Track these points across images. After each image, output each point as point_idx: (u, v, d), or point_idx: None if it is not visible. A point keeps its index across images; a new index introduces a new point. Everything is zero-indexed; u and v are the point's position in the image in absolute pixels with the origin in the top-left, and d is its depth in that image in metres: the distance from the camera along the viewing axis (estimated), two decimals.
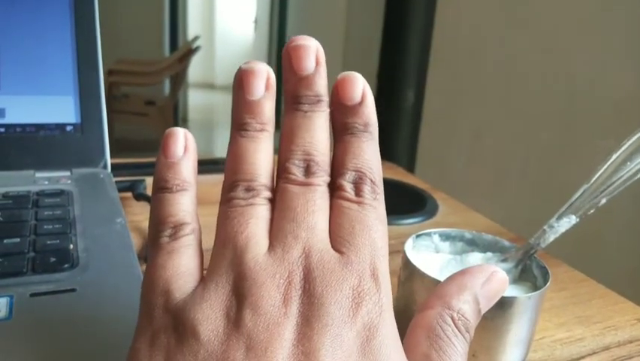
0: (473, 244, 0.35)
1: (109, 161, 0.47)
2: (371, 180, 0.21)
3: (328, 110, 0.22)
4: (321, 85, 0.22)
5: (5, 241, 0.31)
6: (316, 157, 0.21)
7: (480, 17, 1.34)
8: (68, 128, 0.46)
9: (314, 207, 0.20)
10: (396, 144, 1.99)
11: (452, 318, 0.20)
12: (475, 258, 0.32)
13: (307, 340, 0.17)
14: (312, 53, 0.21)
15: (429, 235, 0.35)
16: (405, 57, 1.88)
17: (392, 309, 0.19)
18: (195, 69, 5.25)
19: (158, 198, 0.21)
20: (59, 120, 0.46)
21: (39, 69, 0.46)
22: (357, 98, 0.21)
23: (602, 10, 0.97)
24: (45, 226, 0.33)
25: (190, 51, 3.38)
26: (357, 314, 0.18)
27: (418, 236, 0.34)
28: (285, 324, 0.17)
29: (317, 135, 0.21)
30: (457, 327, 0.20)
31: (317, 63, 0.22)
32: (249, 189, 0.20)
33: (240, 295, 0.18)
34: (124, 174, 0.52)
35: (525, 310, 0.28)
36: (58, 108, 0.46)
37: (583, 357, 0.34)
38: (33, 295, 0.26)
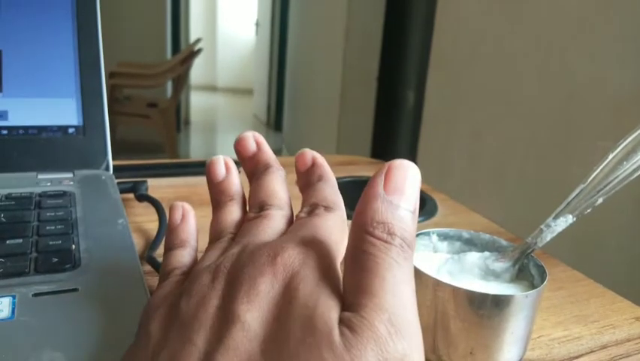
0: (471, 244, 0.35)
1: (111, 162, 0.47)
2: (324, 206, 0.25)
3: (278, 171, 0.27)
4: (265, 156, 0.28)
5: (8, 241, 0.31)
6: (267, 200, 0.26)
7: (479, 18, 1.34)
8: (70, 130, 0.47)
9: (262, 225, 0.24)
10: (397, 144, 1.99)
11: (368, 232, 0.19)
12: (473, 257, 0.33)
13: (227, 299, 0.19)
14: (250, 141, 0.28)
15: (427, 234, 0.35)
16: (405, 59, 1.88)
17: (320, 262, 0.20)
18: (197, 71, 5.27)
19: (166, 255, 0.27)
20: (62, 122, 0.46)
21: (41, 72, 0.46)
22: (308, 162, 0.27)
23: (600, 11, 0.97)
24: (47, 227, 0.34)
25: (192, 53, 3.39)
26: (273, 264, 0.20)
27: (416, 236, 0.34)
28: (210, 295, 0.20)
29: (268, 187, 0.26)
30: (378, 238, 0.19)
31: (257, 145, 0.28)
32: (218, 238, 0.26)
33: (183, 290, 0.21)
34: (126, 176, 0.53)
35: (522, 309, 0.29)
36: (61, 111, 0.47)
37: (581, 355, 0.34)
38: (35, 295, 0.26)
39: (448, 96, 1.49)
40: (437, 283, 0.29)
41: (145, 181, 0.51)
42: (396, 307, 0.17)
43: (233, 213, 0.27)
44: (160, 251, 0.42)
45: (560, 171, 1.04)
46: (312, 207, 0.25)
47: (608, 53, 0.95)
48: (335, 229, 0.23)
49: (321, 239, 0.22)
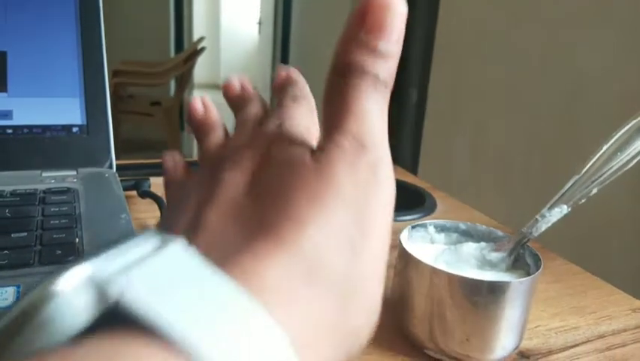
0: (468, 235, 0.36)
1: (114, 161, 0.48)
2: (291, 97, 0.25)
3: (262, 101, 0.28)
4: (249, 94, 0.29)
5: (13, 235, 0.32)
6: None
7: (482, 14, 1.34)
8: (74, 129, 0.47)
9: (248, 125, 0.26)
10: (400, 141, 1.99)
11: (341, 72, 0.19)
12: (470, 247, 0.33)
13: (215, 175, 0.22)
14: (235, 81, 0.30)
15: (424, 226, 0.35)
16: (408, 55, 1.88)
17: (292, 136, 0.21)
18: (200, 70, 5.27)
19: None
20: (65, 122, 0.47)
21: (45, 72, 0.47)
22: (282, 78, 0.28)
23: (604, 6, 0.97)
24: (51, 221, 0.34)
25: (195, 52, 3.40)
26: (253, 138, 0.22)
27: (413, 227, 0.35)
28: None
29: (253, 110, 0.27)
30: (352, 75, 0.19)
31: (241, 86, 0.29)
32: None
33: None
34: (129, 174, 0.54)
35: (517, 296, 0.29)
36: (65, 110, 0.47)
37: (577, 345, 0.35)
38: None
39: (452, 93, 1.49)
40: (433, 271, 0.29)
41: (147, 179, 0.52)
42: (361, 127, 0.18)
43: (218, 137, 0.27)
44: None
45: (563, 167, 1.04)
46: (279, 100, 0.26)
47: (613, 47, 0.95)
48: (301, 111, 0.24)
49: (290, 116, 0.23)
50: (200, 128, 0.27)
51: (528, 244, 0.33)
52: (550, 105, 1.10)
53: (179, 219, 0.20)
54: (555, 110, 1.08)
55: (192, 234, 0.18)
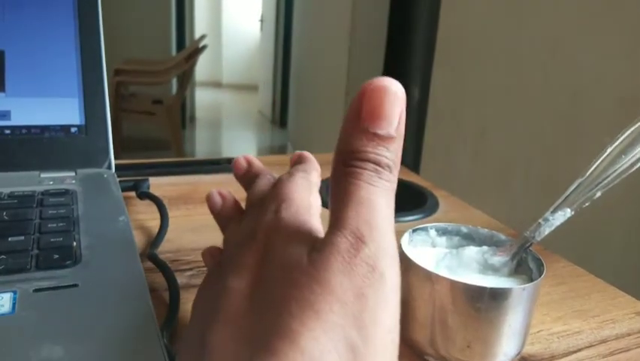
0: (469, 238, 0.35)
1: (113, 161, 0.47)
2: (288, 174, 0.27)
3: (269, 175, 0.30)
4: (258, 168, 0.31)
5: (10, 238, 0.32)
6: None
7: (484, 15, 1.34)
8: (73, 129, 0.47)
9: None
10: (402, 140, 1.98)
11: (344, 162, 0.19)
12: (471, 251, 0.33)
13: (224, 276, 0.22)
14: (242, 160, 0.32)
15: (425, 229, 0.35)
16: (410, 55, 1.88)
17: (289, 221, 0.22)
18: (202, 68, 5.27)
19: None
20: (64, 122, 0.47)
21: (44, 72, 0.47)
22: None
23: (605, 9, 0.97)
24: (49, 225, 0.34)
25: (197, 50, 3.39)
26: (253, 238, 0.22)
27: (414, 231, 0.34)
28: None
29: (260, 186, 0.29)
30: (352, 165, 0.19)
31: (248, 162, 0.31)
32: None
33: None
34: (128, 175, 0.53)
35: (520, 302, 0.29)
36: (63, 110, 0.47)
37: (580, 350, 0.34)
38: (36, 290, 0.27)
39: (453, 93, 1.48)
40: (435, 277, 0.29)
41: (147, 179, 0.52)
42: (360, 220, 0.18)
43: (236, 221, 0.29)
44: (161, 248, 0.42)
45: (565, 169, 1.04)
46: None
47: (615, 50, 0.95)
48: (297, 185, 0.25)
49: (286, 197, 0.23)
50: (223, 216, 0.29)
51: (531, 248, 0.32)
52: (551, 106, 1.09)
53: (193, 337, 0.21)
54: (557, 112, 1.08)
55: (201, 357, 0.19)
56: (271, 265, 0.20)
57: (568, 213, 0.31)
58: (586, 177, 0.31)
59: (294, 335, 0.16)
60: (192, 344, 0.20)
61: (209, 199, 0.30)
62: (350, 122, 0.19)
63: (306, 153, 0.30)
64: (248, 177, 0.30)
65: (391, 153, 0.19)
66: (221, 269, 0.22)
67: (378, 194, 0.19)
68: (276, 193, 0.24)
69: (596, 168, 0.31)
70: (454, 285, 0.28)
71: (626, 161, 0.31)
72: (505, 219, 0.56)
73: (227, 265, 0.22)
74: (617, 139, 0.32)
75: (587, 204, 0.31)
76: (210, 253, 0.28)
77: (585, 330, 0.37)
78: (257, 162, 0.31)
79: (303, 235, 0.21)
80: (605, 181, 0.31)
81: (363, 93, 0.19)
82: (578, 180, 0.31)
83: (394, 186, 0.20)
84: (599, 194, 0.31)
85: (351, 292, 0.17)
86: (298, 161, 0.29)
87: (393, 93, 0.19)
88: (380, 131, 0.19)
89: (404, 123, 0.19)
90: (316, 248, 0.19)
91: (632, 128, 0.32)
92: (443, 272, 0.30)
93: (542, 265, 0.31)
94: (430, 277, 0.29)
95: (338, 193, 0.19)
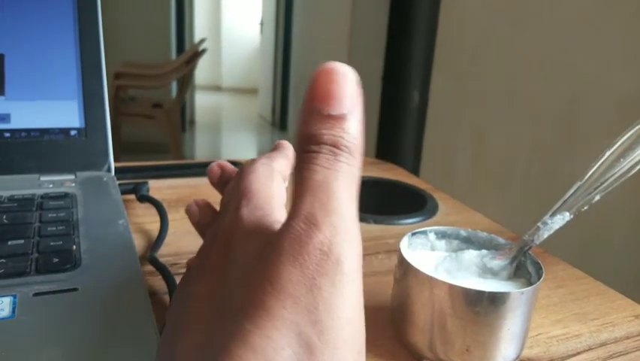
0: (469, 242, 0.35)
1: (112, 164, 0.47)
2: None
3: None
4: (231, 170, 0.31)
5: (10, 242, 0.32)
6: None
7: (483, 19, 1.34)
8: (72, 132, 0.47)
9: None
10: (402, 144, 1.99)
11: (301, 146, 0.19)
12: (471, 255, 0.33)
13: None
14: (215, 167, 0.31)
15: (424, 233, 0.35)
16: (409, 59, 1.88)
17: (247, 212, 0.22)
18: (202, 71, 5.28)
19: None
20: (64, 125, 0.47)
21: (43, 75, 0.47)
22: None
23: (603, 10, 0.97)
24: (49, 228, 0.34)
25: (196, 54, 3.40)
26: (215, 236, 0.22)
27: (413, 234, 0.35)
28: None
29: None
30: (307, 150, 0.19)
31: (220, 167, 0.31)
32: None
33: None
34: (127, 177, 0.53)
35: (518, 306, 0.29)
36: (63, 113, 0.47)
37: (579, 353, 0.34)
38: (36, 294, 0.27)
39: (453, 96, 1.49)
40: (434, 281, 0.29)
41: (146, 182, 0.52)
42: (314, 205, 0.17)
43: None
44: (161, 252, 0.42)
45: (564, 172, 1.04)
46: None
47: (612, 53, 0.95)
48: (258, 175, 0.24)
49: (246, 190, 0.23)
50: (201, 225, 0.30)
51: (531, 251, 0.32)
52: (550, 110, 1.10)
53: (164, 351, 0.20)
54: (555, 115, 1.08)
55: None
56: (232, 265, 0.19)
57: (567, 216, 0.31)
58: (584, 180, 0.31)
59: (247, 336, 0.16)
60: (163, 357, 0.20)
61: (187, 211, 0.30)
62: (304, 107, 0.19)
63: (283, 142, 0.29)
64: (223, 182, 0.30)
65: (349, 135, 0.18)
66: (188, 277, 0.22)
67: (335, 177, 0.18)
68: (236, 188, 0.24)
69: (594, 172, 0.31)
70: (452, 289, 0.28)
71: (625, 164, 0.31)
72: (505, 222, 0.56)
73: (192, 271, 0.22)
74: (616, 143, 0.32)
75: (585, 207, 0.31)
76: (188, 264, 0.28)
77: (584, 333, 0.37)
78: (230, 166, 0.30)
79: (261, 231, 0.20)
80: (604, 185, 0.31)
81: (314, 78, 0.19)
82: (577, 184, 0.31)
83: (356, 169, 0.19)
84: (597, 198, 0.31)
85: (303, 284, 0.16)
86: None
87: (342, 73, 0.18)
88: (332, 112, 0.18)
89: (360, 105, 0.19)
90: (270, 242, 0.18)
91: (631, 132, 0.32)
92: (442, 276, 0.31)
93: (541, 268, 0.31)
94: (429, 280, 0.29)
95: (295, 180, 0.18)
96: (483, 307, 0.28)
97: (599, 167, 0.31)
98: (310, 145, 0.18)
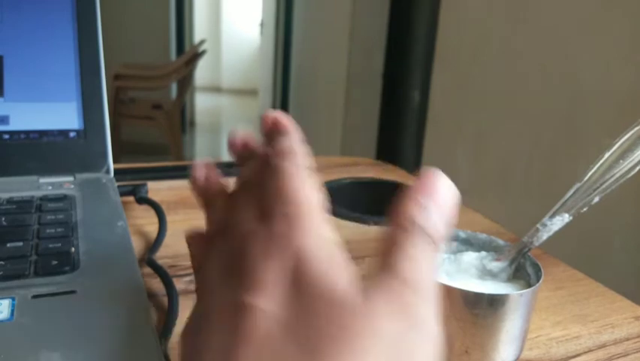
0: (467, 244, 0.35)
1: (111, 166, 0.47)
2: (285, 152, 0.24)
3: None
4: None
5: (9, 245, 0.32)
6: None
7: (483, 18, 1.34)
8: (71, 134, 0.47)
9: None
10: (402, 143, 1.99)
11: (397, 223, 0.20)
12: (470, 257, 0.33)
13: (236, 288, 0.20)
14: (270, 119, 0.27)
15: None
16: (410, 58, 1.88)
17: (318, 226, 0.21)
18: (202, 73, 5.28)
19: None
20: (62, 126, 0.47)
21: (42, 77, 0.47)
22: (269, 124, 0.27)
23: (604, 10, 0.97)
24: (47, 230, 0.34)
25: (196, 55, 3.40)
26: (268, 248, 0.20)
27: None
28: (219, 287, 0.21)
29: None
30: (402, 226, 0.20)
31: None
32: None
33: None
34: (127, 179, 0.53)
35: (517, 308, 0.29)
36: (62, 115, 0.47)
37: (579, 355, 0.34)
38: (34, 297, 0.27)
39: (453, 96, 1.49)
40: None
41: (145, 184, 0.52)
42: (413, 272, 0.19)
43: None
44: (159, 254, 0.42)
45: (565, 172, 1.04)
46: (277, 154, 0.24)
47: (613, 52, 0.95)
48: (307, 186, 0.22)
49: (302, 201, 0.21)
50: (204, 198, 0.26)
51: (530, 253, 0.32)
52: (550, 109, 1.09)
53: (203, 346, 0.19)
54: (556, 114, 1.08)
55: None
56: (307, 290, 0.18)
57: (566, 218, 0.31)
58: (584, 182, 0.31)
59: None
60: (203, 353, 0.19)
61: (194, 170, 0.26)
62: (407, 195, 0.21)
63: (284, 121, 0.26)
64: (244, 154, 0.27)
65: (437, 227, 0.20)
66: (230, 278, 0.20)
67: (426, 256, 0.20)
68: (286, 195, 0.21)
69: (593, 173, 0.31)
70: (451, 291, 0.28)
71: (624, 166, 0.31)
72: (505, 222, 0.56)
73: (238, 275, 0.20)
74: (615, 144, 0.32)
75: (585, 209, 0.31)
76: (196, 242, 0.26)
77: (584, 335, 0.37)
78: (253, 139, 0.27)
79: (339, 264, 0.19)
80: (603, 186, 0.31)
81: (424, 176, 0.21)
82: (576, 186, 0.31)
83: (440, 250, 0.21)
84: (597, 199, 0.31)
85: (398, 340, 0.17)
86: (276, 131, 0.26)
87: (448, 185, 0.21)
88: (433, 207, 0.21)
89: (453, 207, 0.21)
90: (365, 290, 0.18)
91: (630, 133, 0.32)
92: (442, 278, 0.30)
93: (540, 270, 0.31)
94: None
95: (385, 245, 0.20)
96: (482, 309, 0.28)
97: (598, 168, 0.31)
98: (404, 222, 0.20)
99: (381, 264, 0.19)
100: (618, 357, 0.34)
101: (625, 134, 0.32)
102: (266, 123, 0.26)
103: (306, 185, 0.22)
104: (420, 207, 0.20)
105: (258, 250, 0.20)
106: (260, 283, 0.19)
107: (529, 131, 1.16)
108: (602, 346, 0.36)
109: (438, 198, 0.21)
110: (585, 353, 0.35)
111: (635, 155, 0.31)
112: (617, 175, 0.31)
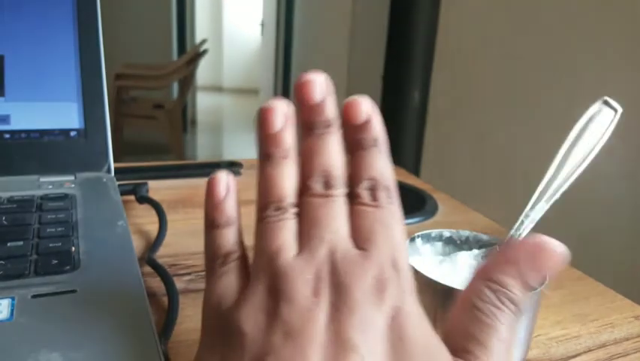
0: (452, 243, 0.35)
1: (112, 165, 0.47)
2: (385, 186, 0.23)
3: (339, 132, 0.24)
4: (330, 111, 0.23)
5: (9, 244, 0.32)
6: (333, 172, 0.23)
7: (483, 20, 1.34)
8: (72, 133, 0.47)
9: (335, 213, 0.22)
10: (402, 144, 1.99)
11: (492, 290, 0.21)
12: (463, 256, 0.33)
13: (337, 322, 0.19)
14: (318, 85, 0.23)
15: (412, 239, 0.35)
16: (410, 59, 1.88)
17: (414, 293, 0.21)
18: (203, 72, 5.29)
19: (210, 234, 0.24)
20: (63, 126, 0.47)
21: (43, 76, 0.47)
22: (363, 117, 0.23)
23: (604, 12, 0.97)
24: (48, 229, 0.34)
25: (198, 54, 3.40)
26: (381, 298, 0.20)
27: (412, 240, 0.34)
28: (317, 311, 0.20)
29: (331, 153, 0.23)
30: (498, 300, 0.20)
31: (325, 94, 0.23)
32: (278, 208, 0.23)
33: (275, 292, 0.20)
34: (127, 178, 0.53)
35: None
36: (62, 114, 0.47)
37: (578, 354, 0.34)
38: (34, 296, 0.27)
39: (453, 96, 1.49)
40: (435, 284, 0.29)
41: (145, 183, 0.52)
42: (502, 357, 0.20)
43: (290, 175, 0.23)
44: (160, 253, 0.42)
45: None
46: (373, 186, 0.23)
47: (612, 53, 0.95)
48: (401, 224, 0.23)
49: (403, 258, 0.22)
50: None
51: None
52: (550, 109, 1.09)
53: None
54: (556, 114, 1.08)
55: None
56: (410, 346, 0.20)
57: (544, 206, 0.32)
58: (552, 173, 0.32)
59: None
60: None
61: (267, 114, 0.24)
62: (512, 257, 0.21)
63: (377, 122, 0.24)
64: (314, 115, 0.23)
65: (524, 304, 0.21)
66: (339, 324, 0.19)
67: (510, 336, 0.20)
68: (382, 233, 0.22)
69: (560, 164, 0.32)
70: (455, 293, 0.28)
71: (580, 151, 0.32)
72: (505, 222, 0.56)
73: (339, 299, 0.20)
74: (571, 131, 0.33)
75: (557, 195, 0.32)
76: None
77: (584, 335, 0.37)
78: (332, 100, 0.24)
79: (428, 324, 0.21)
80: (565, 174, 0.32)
81: (539, 247, 0.21)
82: (547, 176, 0.32)
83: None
84: (567, 185, 0.32)
85: None
86: (367, 130, 0.23)
87: (560, 259, 0.21)
88: (533, 283, 0.21)
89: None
90: None
91: (583, 118, 0.33)
92: (442, 279, 0.31)
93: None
94: (430, 284, 0.29)
95: (478, 316, 0.21)
96: None
97: (561, 155, 0.33)
98: (499, 296, 0.21)
99: (472, 336, 0.20)
100: (618, 357, 0.34)
101: (577, 123, 0.33)
102: (352, 115, 0.23)
103: (402, 233, 0.22)
104: (520, 284, 0.21)
105: (365, 288, 0.20)
106: (365, 324, 0.20)
107: (528, 131, 1.16)
108: (602, 345, 0.36)
109: (540, 275, 0.21)
110: (585, 352, 0.35)
111: (586, 143, 0.32)
112: (578, 160, 0.32)
